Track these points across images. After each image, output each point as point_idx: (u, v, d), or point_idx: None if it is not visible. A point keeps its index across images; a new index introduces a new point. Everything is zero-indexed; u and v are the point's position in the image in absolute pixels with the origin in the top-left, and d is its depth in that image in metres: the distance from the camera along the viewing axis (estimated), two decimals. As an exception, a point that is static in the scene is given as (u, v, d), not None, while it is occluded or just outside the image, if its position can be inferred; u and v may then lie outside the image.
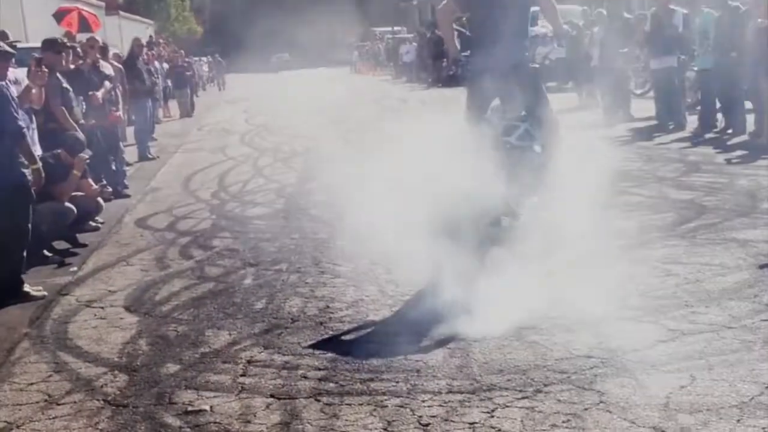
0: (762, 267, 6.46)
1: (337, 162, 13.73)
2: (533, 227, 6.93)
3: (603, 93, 17.68)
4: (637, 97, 19.15)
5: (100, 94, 11.65)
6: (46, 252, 8.29)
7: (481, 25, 7.84)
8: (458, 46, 8.30)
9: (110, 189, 10.36)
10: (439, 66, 33.70)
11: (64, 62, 10.56)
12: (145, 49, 18.97)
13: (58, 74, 10.05)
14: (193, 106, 27.68)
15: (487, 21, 7.70)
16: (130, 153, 15.47)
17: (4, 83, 7.10)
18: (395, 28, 57.29)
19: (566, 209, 7.04)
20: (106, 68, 12.86)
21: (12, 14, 24.98)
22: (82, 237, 9.06)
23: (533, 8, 8.30)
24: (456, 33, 8.56)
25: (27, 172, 7.10)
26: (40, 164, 7.36)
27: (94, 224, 9.64)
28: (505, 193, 7.10)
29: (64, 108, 9.86)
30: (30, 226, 7.17)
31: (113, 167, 11.82)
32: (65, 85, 10.14)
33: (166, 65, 27.99)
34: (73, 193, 8.79)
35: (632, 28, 17.40)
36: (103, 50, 13.92)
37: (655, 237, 7.57)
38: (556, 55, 23.06)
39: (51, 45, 10.34)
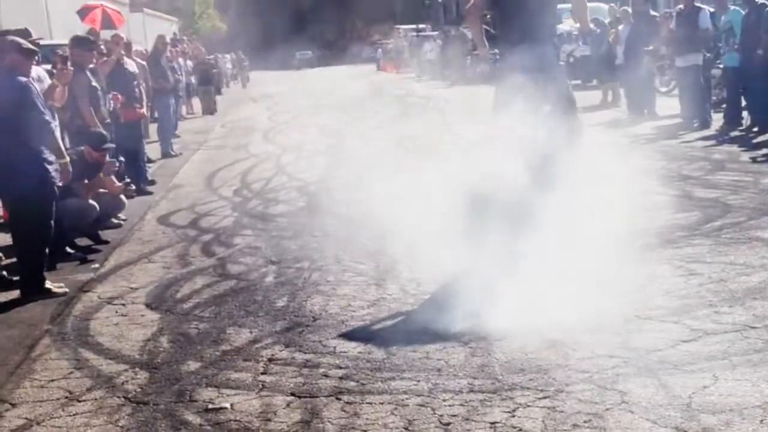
0: (787, 267, 6.40)
1: (360, 160, 13.75)
2: (556, 225, 6.88)
3: (628, 91, 17.58)
4: (662, 95, 19.04)
5: (120, 97, 11.68)
6: (68, 249, 8.33)
7: (509, 22, 7.85)
8: (487, 45, 8.28)
9: (134, 186, 10.38)
10: (464, 64, 33.60)
11: (94, 59, 10.63)
12: (168, 47, 19.03)
13: (87, 72, 10.11)
14: (215, 104, 27.73)
15: (515, 18, 7.69)
16: (153, 150, 15.53)
17: (29, 79, 7.16)
18: (419, 26, 57.24)
19: (590, 207, 6.99)
20: (130, 65, 12.89)
21: (36, 11, 25.16)
22: (104, 234, 9.11)
23: (560, 6, 8.32)
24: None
25: (51, 167, 7.12)
26: (68, 158, 7.40)
27: (116, 221, 9.67)
28: (530, 188, 7.11)
29: (91, 106, 9.93)
30: (53, 222, 7.21)
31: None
32: (94, 83, 10.19)
33: (190, 62, 28.06)
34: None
35: (658, 25, 17.30)
36: (128, 47, 13.94)
37: (679, 236, 7.51)
38: (581, 52, 22.91)
39: (81, 42, 10.43)
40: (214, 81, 29.15)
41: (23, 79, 7.04)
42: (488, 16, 8.88)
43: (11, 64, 7.05)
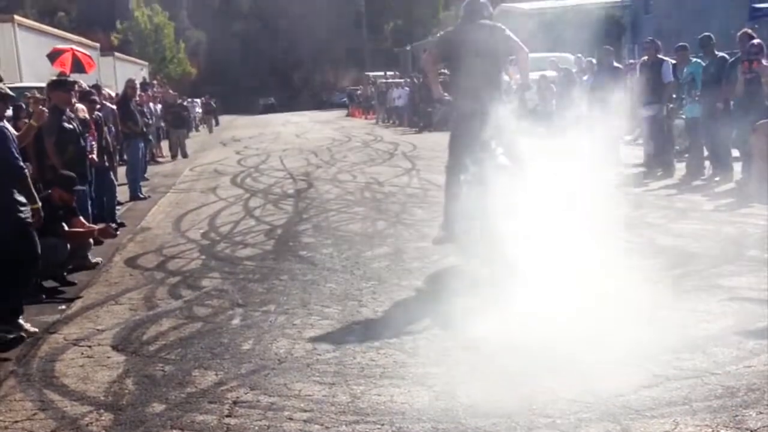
0: (746, 314, 6.50)
1: (328, 204, 13.84)
2: (519, 271, 6.98)
3: (592, 139, 17.80)
4: (626, 144, 19.30)
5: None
6: (36, 290, 8.28)
7: (459, 72, 8.71)
8: (441, 89, 9.20)
9: (118, 231, 10.31)
10: (432, 110, 33.91)
11: (73, 101, 10.67)
12: (138, 91, 19.03)
13: (64, 113, 10.16)
14: (184, 148, 27.69)
15: (464, 69, 8.53)
16: (122, 192, 15.50)
17: (3, 123, 7.18)
18: (388, 73, 57.71)
19: (553, 253, 7.10)
20: (81, 112, 12.44)
21: (6, 54, 25.15)
22: (71, 275, 9.07)
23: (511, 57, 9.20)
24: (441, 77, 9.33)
25: (25, 209, 7.15)
26: (39, 204, 7.41)
27: (91, 263, 9.65)
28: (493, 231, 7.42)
29: (60, 146, 9.96)
30: (38, 251, 7.26)
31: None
32: (66, 124, 10.21)
33: (159, 106, 28.06)
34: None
35: (622, 76, 17.59)
36: (83, 95, 13.42)
37: (641, 283, 7.59)
38: (546, 103, 23.12)
39: (60, 84, 10.48)
40: (186, 124, 29.09)
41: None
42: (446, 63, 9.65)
43: None
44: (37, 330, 7.15)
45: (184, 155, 26.65)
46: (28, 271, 7.22)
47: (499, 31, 8.72)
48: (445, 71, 9.65)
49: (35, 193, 7.43)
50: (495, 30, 8.73)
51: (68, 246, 8.66)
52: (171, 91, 33.67)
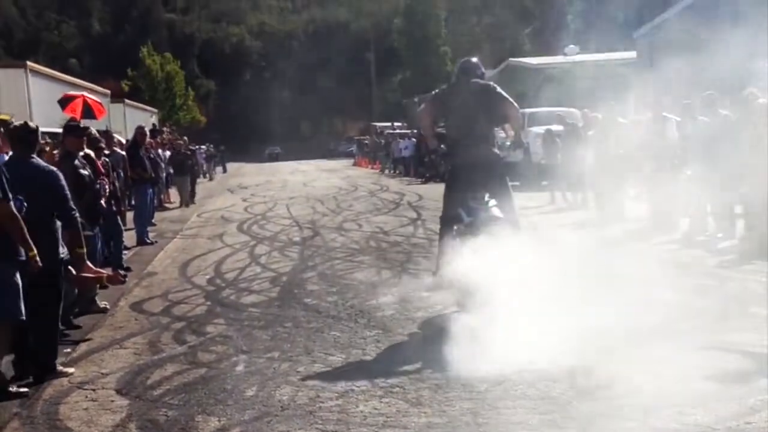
0: (748, 370, 6.53)
1: (333, 252, 13.91)
2: (522, 322, 7.02)
3: (597, 194, 17.90)
4: (631, 199, 19.36)
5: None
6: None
7: (453, 128, 9.19)
8: (437, 141, 9.58)
9: (126, 278, 10.40)
10: (438, 161, 34.07)
11: (84, 146, 10.81)
12: (147, 137, 19.18)
13: (77, 159, 10.30)
14: (194, 194, 27.87)
15: (458, 125, 9.04)
16: (129, 237, 15.58)
17: (55, 169, 7.34)
18: (395, 124, 58.08)
19: (556, 308, 7.14)
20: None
21: (18, 99, 25.40)
22: (76, 319, 9.13)
23: None
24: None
25: (65, 251, 7.36)
26: (84, 249, 7.67)
27: (99, 307, 9.71)
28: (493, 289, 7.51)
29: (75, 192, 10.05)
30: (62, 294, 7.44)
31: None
32: (81, 170, 10.32)
33: (168, 153, 28.21)
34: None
35: (627, 132, 17.69)
36: (90, 141, 13.47)
37: (643, 338, 7.62)
38: (551, 157, 23.27)
39: (73, 129, 10.62)
40: (192, 171, 29.21)
41: (54, 168, 7.26)
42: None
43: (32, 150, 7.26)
44: (73, 370, 7.31)
45: (190, 201, 26.76)
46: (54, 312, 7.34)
47: (492, 89, 9.07)
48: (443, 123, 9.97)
49: (83, 238, 7.61)
50: (487, 88, 9.08)
51: (76, 290, 8.73)
52: (179, 139, 33.82)
